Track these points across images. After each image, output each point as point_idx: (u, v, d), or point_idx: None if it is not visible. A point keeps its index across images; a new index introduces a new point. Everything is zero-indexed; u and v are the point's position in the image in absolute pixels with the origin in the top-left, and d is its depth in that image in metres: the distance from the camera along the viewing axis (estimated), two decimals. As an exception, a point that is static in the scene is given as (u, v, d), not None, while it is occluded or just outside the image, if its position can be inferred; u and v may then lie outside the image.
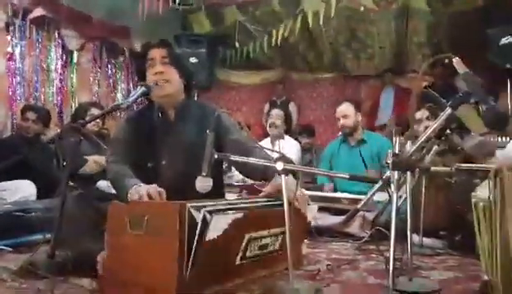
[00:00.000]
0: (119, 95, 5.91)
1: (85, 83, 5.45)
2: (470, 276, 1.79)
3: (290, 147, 4.20)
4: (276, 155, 1.62)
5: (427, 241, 2.41)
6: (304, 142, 5.03)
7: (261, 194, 1.94)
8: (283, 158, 1.62)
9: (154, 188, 1.70)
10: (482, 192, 1.51)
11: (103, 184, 3.31)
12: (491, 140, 3.32)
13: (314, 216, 2.45)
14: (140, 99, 1.96)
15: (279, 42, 5.53)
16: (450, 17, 4.97)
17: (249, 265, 1.68)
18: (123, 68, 5.97)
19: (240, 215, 1.53)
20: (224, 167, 2.53)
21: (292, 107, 6.25)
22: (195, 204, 1.47)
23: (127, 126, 2.10)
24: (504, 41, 4.50)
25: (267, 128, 4.29)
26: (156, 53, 2.01)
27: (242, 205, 1.74)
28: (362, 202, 2.13)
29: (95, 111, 3.59)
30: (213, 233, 1.42)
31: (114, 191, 2.00)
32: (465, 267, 1.98)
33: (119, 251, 1.54)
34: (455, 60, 1.56)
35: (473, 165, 2.42)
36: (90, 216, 1.78)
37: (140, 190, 1.69)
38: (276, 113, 4.28)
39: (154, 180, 1.79)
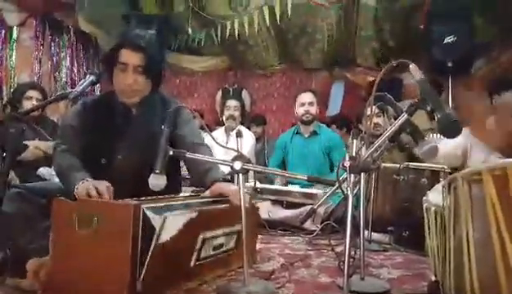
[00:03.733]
0: (63, 75, 5.60)
1: (26, 62, 5.12)
2: (418, 274, 1.86)
3: (246, 138, 4.14)
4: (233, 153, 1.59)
5: (375, 236, 2.49)
6: (254, 131, 5.01)
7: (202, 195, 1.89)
8: (241, 157, 1.59)
9: (103, 184, 1.62)
10: (434, 196, 1.56)
11: (44, 171, 3.15)
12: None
13: (267, 211, 2.45)
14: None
15: (233, 34, 5.44)
16: (396, 13, 5.12)
17: (204, 266, 1.65)
18: (68, 46, 5.64)
19: (194, 214, 1.48)
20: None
21: (245, 95, 6.20)
22: (149, 205, 1.41)
23: (83, 113, 1.91)
24: (447, 40, 4.70)
25: (224, 120, 4.16)
26: (130, 58, 1.85)
27: (190, 201, 1.70)
28: (319, 203, 2.16)
29: (32, 93, 3.34)
30: (167, 234, 1.37)
31: (56, 180, 1.88)
32: (412, 264, 2.04)
33: (65, 250, 1.45)
34: (412, 67, 1.58)
35: (421, 164, 2.51)
36: (29, 214, 1.66)
37: (88, 186, 1.60)
38: (234, 104, 4.15)
39: (107, 175, 1.70)
